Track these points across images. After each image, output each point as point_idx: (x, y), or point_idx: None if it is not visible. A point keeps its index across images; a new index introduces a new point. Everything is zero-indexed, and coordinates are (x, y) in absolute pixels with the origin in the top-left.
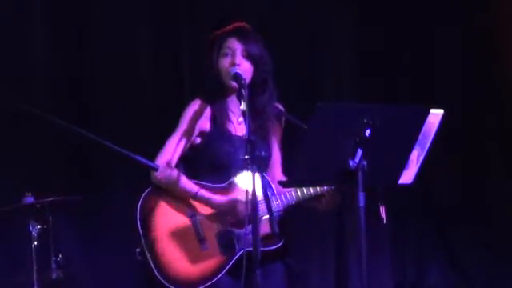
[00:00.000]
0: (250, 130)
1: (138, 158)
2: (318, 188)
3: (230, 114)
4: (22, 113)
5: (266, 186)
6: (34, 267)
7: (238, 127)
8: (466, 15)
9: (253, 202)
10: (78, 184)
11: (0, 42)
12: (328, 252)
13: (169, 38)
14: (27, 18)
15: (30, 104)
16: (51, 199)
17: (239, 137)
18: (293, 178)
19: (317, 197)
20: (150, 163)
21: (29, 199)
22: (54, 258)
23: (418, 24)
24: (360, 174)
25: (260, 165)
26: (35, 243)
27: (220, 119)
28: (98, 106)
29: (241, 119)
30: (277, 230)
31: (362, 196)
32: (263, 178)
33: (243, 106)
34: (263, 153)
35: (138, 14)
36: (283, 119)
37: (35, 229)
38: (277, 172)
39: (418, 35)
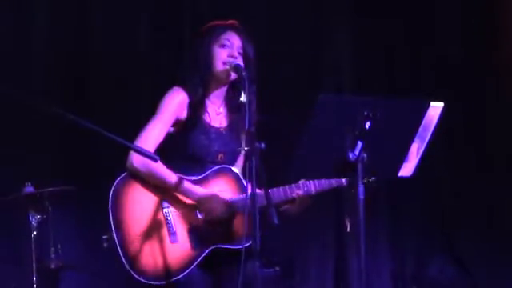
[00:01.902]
0: (250, 122)
1: (139, 148)
2: (288, 190)
3: (208, 104)
4: (22, 103)
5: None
6: (34, 256)
7: (216, 118)
8: (467, 7)
9: (252, 195)
10: (78, 174)
11: (1, 41)
12: (327, 246)
13: (169, 38)
14: (29, 17)
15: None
16: (51, 189)
17: (216, 128)
18: (293, 171)
19: (287, 201)
20: (149, 153)
21: (28, 189)
22: (53, 248)
23: (418, 19)
24: (360, 166)
25: (232, 158)
26: (35, 233)
27: (197, 109)
28: (98, 105)
29: (221, 109)
30: (276, 221)
31: (361, 188)
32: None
33: (243, 97)
34: (263, 145)
35: (139, 13)
36: None
37: (35, 218)
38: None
39: (419, 31)
